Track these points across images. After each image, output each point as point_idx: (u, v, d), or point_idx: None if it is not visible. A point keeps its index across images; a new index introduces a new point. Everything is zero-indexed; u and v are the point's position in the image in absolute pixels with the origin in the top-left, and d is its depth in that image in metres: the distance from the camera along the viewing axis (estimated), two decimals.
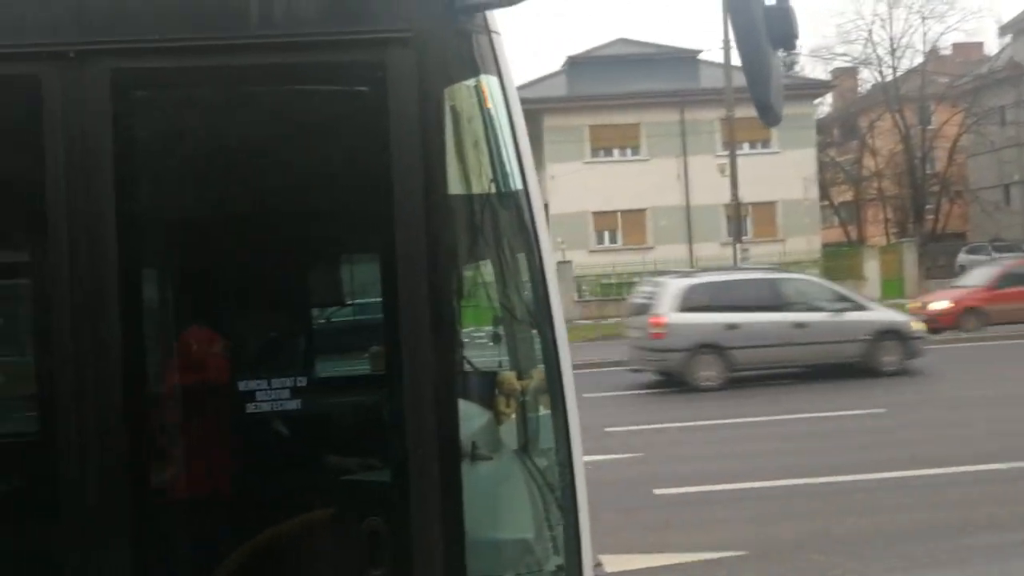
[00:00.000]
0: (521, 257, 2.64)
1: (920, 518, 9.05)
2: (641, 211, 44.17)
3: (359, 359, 3.04)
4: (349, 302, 3.21)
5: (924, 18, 51.19)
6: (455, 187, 2.49)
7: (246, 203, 2.77)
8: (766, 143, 43.76)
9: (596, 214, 43.88)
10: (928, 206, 50.14)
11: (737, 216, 29.88)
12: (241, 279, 2.83)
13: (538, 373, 2.73)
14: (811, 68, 51.37)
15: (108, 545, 2.30)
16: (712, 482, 10.87)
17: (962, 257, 43.49)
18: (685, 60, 47.72)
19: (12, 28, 2.34)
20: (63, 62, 2.32)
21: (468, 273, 2.71)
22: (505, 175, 2.60)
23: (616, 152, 44.68)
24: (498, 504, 2.88)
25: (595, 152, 44.45)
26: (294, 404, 2.52)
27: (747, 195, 34.81)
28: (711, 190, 40.74)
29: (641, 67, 45.56)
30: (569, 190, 42.20)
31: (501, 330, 2.97)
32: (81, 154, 2.32)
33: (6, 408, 2.79)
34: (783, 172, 43.26)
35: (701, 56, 48.05)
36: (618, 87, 43.88)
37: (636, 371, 19.90)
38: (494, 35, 2.54)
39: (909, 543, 8.25)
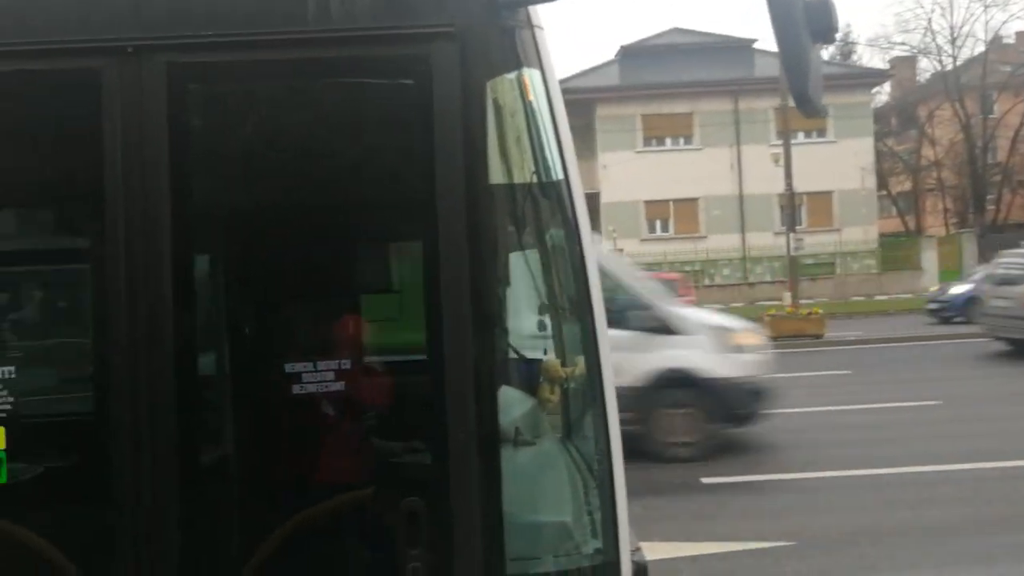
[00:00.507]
0: (562, 246, 2.69)
1: (974, 513, 8.91)
2: (693, 200, 43.87)
3: (401, 344, 3.10)
4: (396, 289, 3.29)
5: (986, 6, 50.26)
6: (497, 178, 2.54)
7: (294, 194, 2.84)
8: (822, 132, 43.20)
9: (648, 203, 43.66)
10: (989, 196, 49.10)
11: (791, 205, 29.52)
12: (290, 267, 2.90)
13: (579, 361, 2.77)
14: (869, 57, 50.55)
15: (156, 522, 2.39)
16: (761, 472, 10.81)
17: None
18: (740, 49, 47.21)
19: (74, 24, 2.44)
20: (121, 56, 2.41)
21: (509, 262, 2.77)
22: (546, 166, 2.65)
23: (669, 141, 44.39)
24: (538, 488, 2.93)
25: (647, 141, 44.19)
26: (339, 387, 2.59)
27: (802, 185, 34.38)
28: (764, 179, 40.34)
29: (695, 56, 45.20)
30: (621, 179, 42.05)
31: (542, 318, 3.03)
32: (138, 145, 2.41)
33: (64, 391, 2.87)
34: (839, 161, 42.68)
35: (756, 45, 47.49)
36: (671, 76, 43.57)
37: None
38: (537, 30, 2.59)
39: (963, 538, 8.14)
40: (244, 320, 2.99)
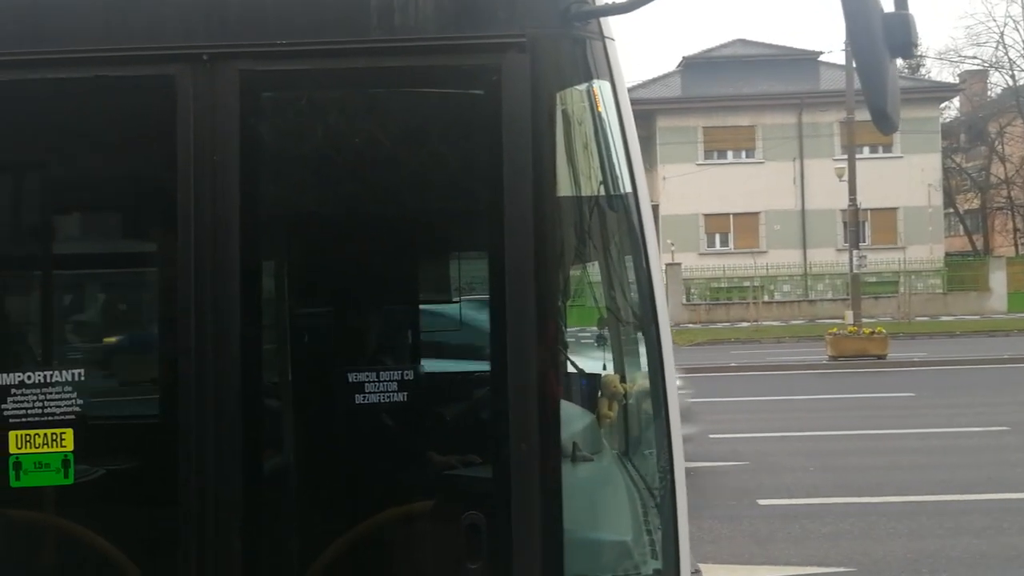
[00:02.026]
0: (628, 260, 2.67)
1: None
2: (754, 214, 43.44)
3: (466, 356, 3.10)
4: (458, 300, 3.28)
5: None
6: (565, 189, 2.54)
7: (362, 202, 2.85)
8: (888, 147, 42.50)
9: (708, 216, 43.35)
10: None
11: (855, 222, 29.04)
12: (355, 275, 2.92)
13: (642, 376, 2.75)
14: (938, 71, 49.63)
15: (218, 528, 2.42)
16: (820, 495, 10.60)
17: None
18: (805, 61, 46.73)
19: (151, 31, 2.50)
20: (196, 64, 2.46)
21: (575, 274, 2.76)
22: (615, 178, 2.64)
23: (730, 154, 44.02)
24: (597, 505, 2.89)
25: (708, 154, 43.89)
26: (401, 397, 2.58)
27: (866, 200, 33.85)
28: (828, 194, 39.82)
29: (758, 68, 44.82)
30: (681, 191, 41.79)
31: (606, 332, 3.01)
32: (210, 150, 2.45)
33: (131, 394, 2.90)
34: (905, 177, 42.00)
35: (822, 58, 46.92)
36: (734, 88, 43.26)
37: None
38: (608, 41, 2.58)
39: None
40: (309, 328, 3.02)
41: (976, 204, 52.84)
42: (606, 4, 2.50)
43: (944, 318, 37.93)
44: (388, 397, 2.58)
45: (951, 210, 50.42)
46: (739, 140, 43.72)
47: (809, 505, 10.27)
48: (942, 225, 45.36)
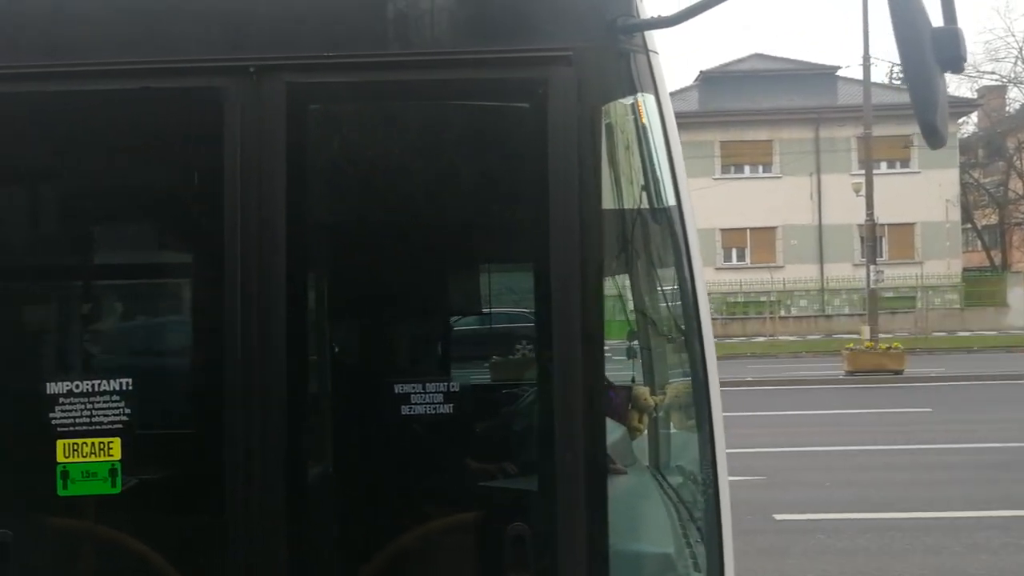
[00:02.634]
0: (673, 273, 2.67)
1: None
2: (771, 229, 43.34)
3: (512, 367, 3.12)
4: (502, 311, 3.30)
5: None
6: (610, 202, 2.55)
7: (408, 212, 2.86)
8: (905, 163, 42.38)
9: (725, 231, 43.25)
10: None
11: (872, 237, 28.97)
12: (400, 285, 2.93)
13: (683, 388, 2.77)
14: (956, 86, 49.44)
15: (264, 538, 2.43)
16: (836, 510, 10.58)
17: None
18: (822, 76, 46.66)
19: (199, 44, 2.53)
20: (243, 76, 2.48)
21: (620, 287, 2.78)
22: (659, 192, 2.64)
23: (747, 169, 43.98)
24: (637, 517, 2.89)
25: (725, 168, 43.83)
26: (447, 408, 2.58)
27: (884, 215, 33.74)
28: (845, 209, 39.69)
29: (776, 83, 44.79)
30: (697, 206, 41.05)
31: (636, 344, 3.03)
32: (256, 162, 2.47)
33: (178, 403, 2.91)
34: (923, 193, 41.83)
35: (840, 72, 46.85)
36: (751, 103, 43.23)
37: None
38: (652, 54, 2.59)
39: None
40: (354, 338, 3.04)
41: (994, 219, 52.51)
42: (652, 18, 2.51)
43: (961, 333, 37.73)
44: (433, 408, 2.58)
45: (969, 225, 50.16)
46: (756, 155, 43.67)
47: (825, 520, 10.23)
48: (960, 240, 45.15)
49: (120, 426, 2.53)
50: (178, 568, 2.61)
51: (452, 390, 2.60)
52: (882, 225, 35.83)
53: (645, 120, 2.61)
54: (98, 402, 2.53)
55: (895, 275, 37.53)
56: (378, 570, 2.62)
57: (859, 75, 33.59)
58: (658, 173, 2.63)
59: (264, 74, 2.48)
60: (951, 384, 23.31)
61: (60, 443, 2.51)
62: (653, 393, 3.04)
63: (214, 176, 2.48)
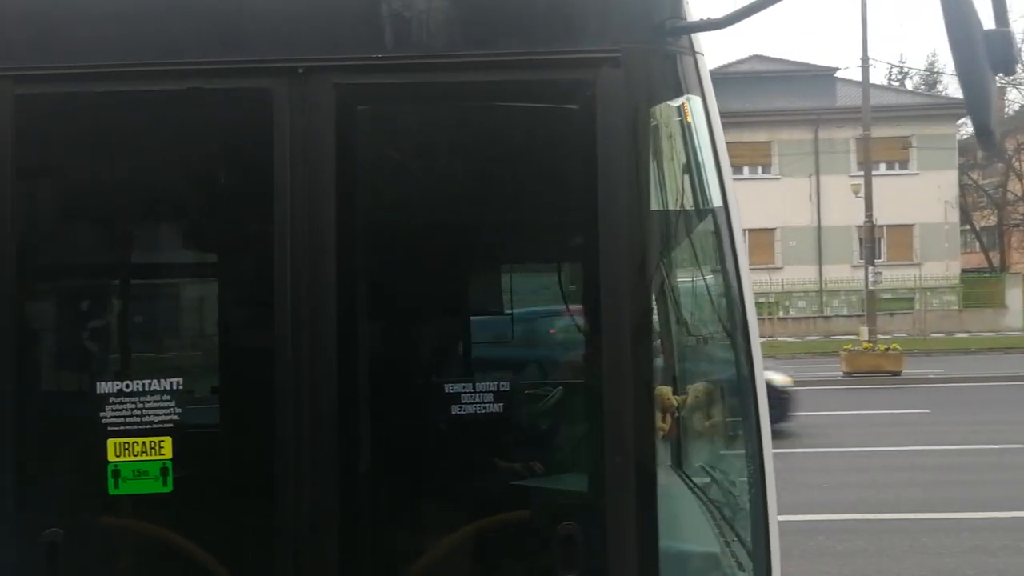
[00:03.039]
0: (720, 273, 2.69)
1: None
2: (770, 230, 43.35)
3: (561, 367, 3.13)
4: (552, 311, 3.31)
5: None
6: (658, 202, 2.56)
7: (457, 213, 2.88)
8: (904, 164, 42.44)
9: None
10: None
11: (871, 238, 28.99)
12: (449, 285, 2.96)
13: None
14: (955, 88, 49.40)
15: (313, 536, 2.45)
16: (835, 511, 10.58)
17: None
18: (821, 77, 46.70)
19: (249, 45, 2.55)
20: (291, 77, 2.50)
21: (669, 286, 2.79)
22: (706, 192, 2.66)
23: (746, 170, 43.96)
24: (680, 516, 2.91)
25: None
26: (497, 408, 2.60)
27: (882, 217, 33.78)
28: (844, 211, 39.71)
29: (775, 84, 44.81)
30: None
31: (697, 344, 3.08)
32: (304, 162, 2.49)
33: (228, 402, 2.92)
34: (922, 194, 41.86)
35: (838, 74, 46.89)
36: (750, 104, 43.23)
37: None
38: (698, 56, 2.61)
39: None
40: (404, 337, 3.06)
41: (992, 221, 52.57)
42: (701, 20, 2.53)
43: (960, 335, 37.77)
44: (484, 408, 2.59)
45: (967, 227, 50.21)
46: (755, 156, 43.67)
47: (824, 521, 10.23)
48: (958, 242, 45.19)
49: (171, 425, 2.55)
50: (228, 567, 2.63)
51: (502, 390, 2.62)
52: (881, 226, 35.87)
53: (691, 121, 2.63)
54: (149, 401, 2.55)
55: (893, 276, 37.55)
56: (429, 568, 2.63)
57: (858, 76, 33.61)
58: (705, 173, 2.65)
59: (312, 75, 2.51)
60: (949, 385, 23.33)
61: (111, 442, 2.53)
62: (676, 392, 3.05)
63: (263, 176, 2.50)
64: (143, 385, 2.56)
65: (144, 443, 2.53)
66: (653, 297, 2.56)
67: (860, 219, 30.17)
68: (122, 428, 2.54)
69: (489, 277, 3.10)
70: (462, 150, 2.86)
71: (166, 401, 2.55)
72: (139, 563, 2.78)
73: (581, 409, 2.61)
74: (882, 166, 39.53)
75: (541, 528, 2.57)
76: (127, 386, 2.56)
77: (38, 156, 2.62)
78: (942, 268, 42.39)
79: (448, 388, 2.61)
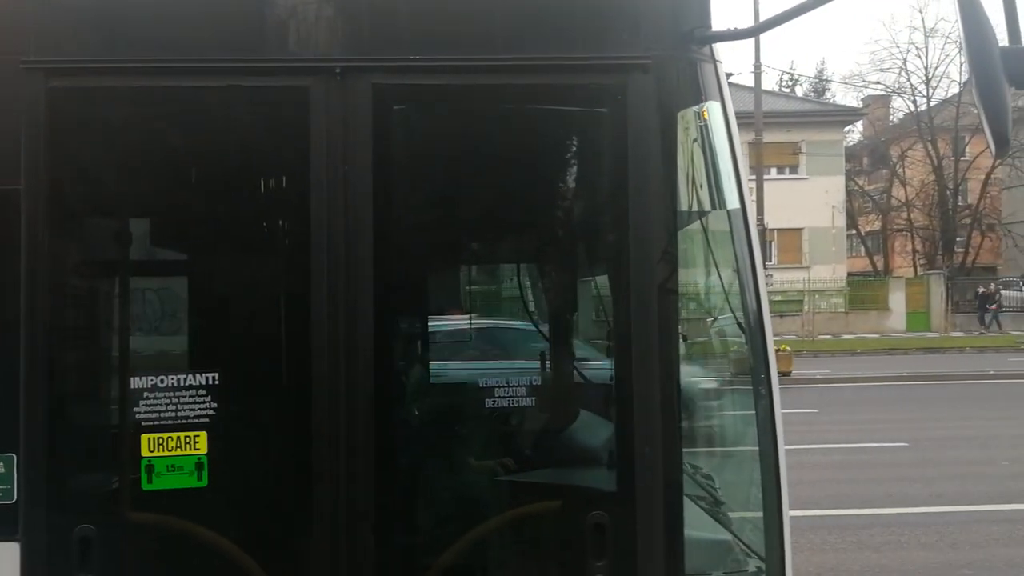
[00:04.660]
0: (737, 271, 2.79)
1: (939, 557, 8.86)
2: None
3: (592, 363, 3.16)
4: (581, 307, 3.34)
5: (960, 48, 50.63)
6: (684, 204, 2.67)
7: (489, 213, 2.94)
8: (794, 169, 43.52)
9: None
10: (958, 238, 49.57)
11: (762, 241, 29.61)
12: (482, 283, 3.04)
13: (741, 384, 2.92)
14: (843, 95, 51.11)
15: (351, 524, 2.49)
16: None
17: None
18: None
19: (287, 45, 2.57)
20: (329, 76, 2.53)
21: (693, 284, 2.91)
22: (725, 194, 2.77)
23: None
24: (691, 506, 3.00)
25: None
26: (529, 401, 2.67)
27: (773, 221, 34.51)
28: None
29: None
30: None
31: (718, 339, 3.25)
32: (342, 160, 2.52)
33: (267, 396, 2.87)
34: (810, 199, 43.00)
35: (732, 79, 47.83)
36: None
37: None
38: (718, 63, 2.71)
39: None
40: (440, 333, 3.09)
41: (877, 226, 54.43)
42: (728, 30, 2.64)
43: (846, 336, 38.95)
44: (517, 402, 2.65)
45: (853, 231, 51.83)
46: None
47: None
48: (845, 246, 46.63)
49: (207, 420, 2.56)
50: (262, 562, 2.63)
51: (534, 384, 2.69)
52: (772, 230, 36.66)
53: (712, 126, 2.72)
54: (184, 397, 2.56)
55: (783, 279, 38.47)
56: (461, 557, 2.66)
57: (751, 82, 34.31)
58: (724, 176, 2.75)
59: (350, 75, 2.54)
60: (836, 385, 23.94)
61: (144, 437, 2.53)
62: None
63: (300, 174, 2.54)
64: (178, 380, 2.57)
65: (179, 438, 2.54)
66: (679, 296, 2.64)
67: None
68: (156, 423, 2.54)
69: (520, 275, 3.18)
70: (495, 151, 2.90)
71: (201, 396, 2.57)
72: (174, 556, 2.74)
73: (612, 404, 2.68)
74: (773, 171, 40.42)
75: (572, 517, 2.63)
76: (161, 381, 2.56)
77: (71, 150, 2.60)
78: (829, 271, 43.63)
79: (482, 382, 2.65)
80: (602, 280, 2.93)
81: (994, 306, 40.52)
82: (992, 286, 42.12)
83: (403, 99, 2.65)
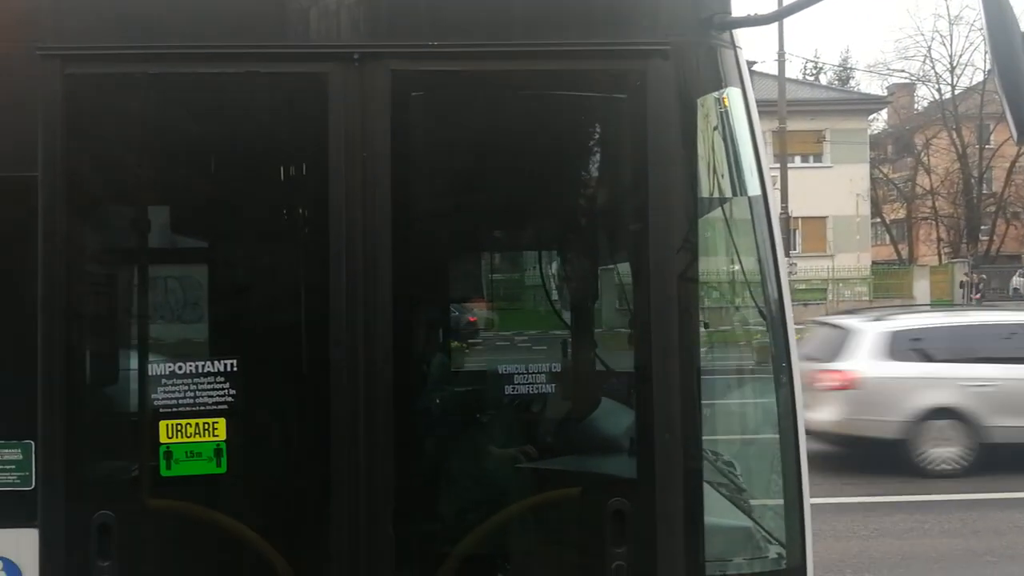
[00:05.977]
0: (758, 259, 2.80)
1: (963, 545, 8.82)
2: None
3: (611, 349, 3.18)
4: (601, 296, 3.35)
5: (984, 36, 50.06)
6: (704, 190, 2.67)
7: (508, 198, 2.94)
8: (818, 157, 43.26)
9: None
10: (983, 226, 49.10)
11: (786, 230, 29.46)
12: (501, 270, 3.02)
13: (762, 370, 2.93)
14: (867, 83, 50.71)
15: (373, 514, 2.50)
16: None
17: (1016, 280, 42.53)
18: None
19: (305, 31, 2.57)
20: (347, 62, 2.53)
21: (713, 271, 2.90)
22: (745, 181, 2.77)
23: None
24: (711, 492, 2.99)
25: None
26: (549, 388, 2.68)
27: (796, 209, 34.34)
28: None
29: None
30: None
31: (740, 327, 3.25)
32: (360, 146, 2.52)
33: (285, 383, 2.89)
34: (835, 187, 42.72)
35: (756, 68, 47.55)
36: None
37: None
38: (738, 50, 2.70)
39: None
40: (458, 320, 3.08)
41: (902, 214, 53.98)
42: (748, 16, 2.61)
43: None
44: (537, 389, 2.65)
45: (878, 220, 51.45)
46: None
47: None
48: (869, 234, 46.33)
49: (226, 407, 2.56)
50: (281, 549, 2.63)
51: (554, 370, 2.69)
52: (796, 218, 36.49)
53: (732, 113, 2.72)
54: (203, 383, 2.56)
55: (807, 267, 38.27)
56: (481, 543, 2.67)
57: (775, 70, 34.10)
58: (744, 162, 2.74)
59: (368, 61, 2.53)
60: None
61: (163, 424, 2.53)
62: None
63: (318, 160, 2.54)
64: (197, 367, 2.56)
65: (198, 424, 2.54)
66: (699, 283, 2.66)
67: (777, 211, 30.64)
68: (175, 410, 2.54)
69: (539, 262, 3.17)
70: (514, 137, 2.90)
71: (220, 383, 2.56)
72: (193, 543, 2.76)
73: (633, 391, 2.69)
74: (797, 159, 40.19)
75: (592, 504, 2.64)
76: (179, 368, 2.56)
77: (88, 137, 2.59)
78: (854, 260, 43.36)
79: (502, 369, 2.64)
80: (623, 267, 2.93)
81: (978, 295, 40.06)
82: (974, 276, 41.67)
83: (421, 85, 2.65)
